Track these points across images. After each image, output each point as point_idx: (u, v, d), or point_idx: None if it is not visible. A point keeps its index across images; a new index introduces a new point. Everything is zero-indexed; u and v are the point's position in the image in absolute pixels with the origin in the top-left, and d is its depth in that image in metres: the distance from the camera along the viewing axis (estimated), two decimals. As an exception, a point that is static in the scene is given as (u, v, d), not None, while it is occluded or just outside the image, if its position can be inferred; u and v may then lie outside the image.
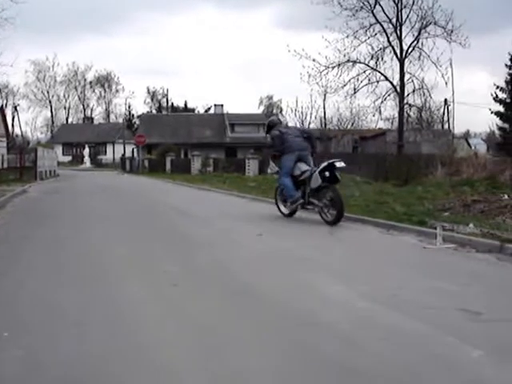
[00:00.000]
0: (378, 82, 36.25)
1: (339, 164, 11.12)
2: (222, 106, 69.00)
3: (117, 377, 3.50)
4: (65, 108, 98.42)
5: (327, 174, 11.02)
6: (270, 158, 12.95)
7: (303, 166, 11.75)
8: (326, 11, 34.40)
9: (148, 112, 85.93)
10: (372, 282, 6.15)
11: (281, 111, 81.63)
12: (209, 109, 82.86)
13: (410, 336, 4.27)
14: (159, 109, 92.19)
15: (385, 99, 36.65)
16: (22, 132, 79.12)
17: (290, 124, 65.74)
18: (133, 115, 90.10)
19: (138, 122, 76.90)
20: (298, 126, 57.17)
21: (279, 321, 4.62)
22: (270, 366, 3.68)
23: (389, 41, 35.66)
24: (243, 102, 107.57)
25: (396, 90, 36.01)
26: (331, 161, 11.19)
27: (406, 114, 37.52)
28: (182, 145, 53.91)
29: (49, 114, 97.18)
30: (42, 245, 8.61)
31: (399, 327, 4.47)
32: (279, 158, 12.24)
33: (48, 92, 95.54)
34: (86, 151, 67.68)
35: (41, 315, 4.76)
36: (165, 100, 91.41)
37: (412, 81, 36.02)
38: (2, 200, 15.99)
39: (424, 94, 36.42)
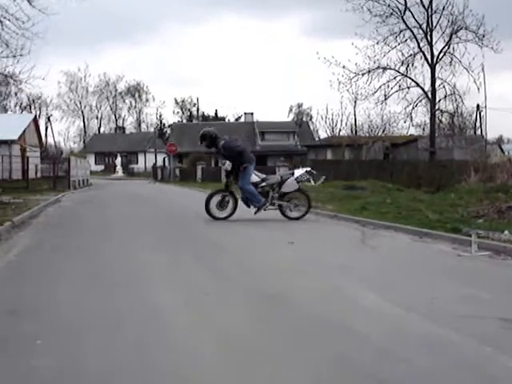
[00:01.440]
0: (408, 88, 36.03)
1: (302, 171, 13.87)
2: (252, 114, 69.17)
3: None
4: (97, 118, 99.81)
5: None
6: (241, 169, 13.27)
7: (259, 175, 13.57)
8: (354, 18, 34.36)
9: (179, 121, 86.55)
10: (406, 290, 6.08)
11: (311, 119, 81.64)
12: (239, 117, 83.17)
13: (444, 345, 4.19)
14: (190, 118, 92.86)
15: (416, 105, 36.41)
16: (55, 142, 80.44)
17: (320, 132, 65.92)
18: (164, 124, 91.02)
19: (168, 131, 77.54)
20: (329, 133, 57.19)
21: (311, 329, 4.58)
22: (302, 376, 3.64)
23: (419, 46, 35.43)
24: (273, 111, 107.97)
25: (427, 95, 35.72)
26: (307, 169, 14.30)
27: (437, 120, 37.17)
28: (213, 154, 54.03)
29: (81, 124, 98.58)
30: (74, 253, 8.68)
31: (434, 336, 4.40)
32: (244, 169, 13.21)
33: (80, 102, 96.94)
34: (118, 160, 68.35)
35: (73, 321, 4.79)
36: (195, 109, 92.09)
37: (443, 86, 35.73)
38: (36, 209, 16.20)
39: (456, 100, 36.09)
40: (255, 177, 13.43)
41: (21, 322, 4.85)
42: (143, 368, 3.76)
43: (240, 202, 13.44)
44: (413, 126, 42.21)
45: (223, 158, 13.57)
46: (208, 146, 13.64)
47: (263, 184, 13.39)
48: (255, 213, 13.25)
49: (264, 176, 13.62)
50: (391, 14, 34.72)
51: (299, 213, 13.44)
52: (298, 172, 13.83)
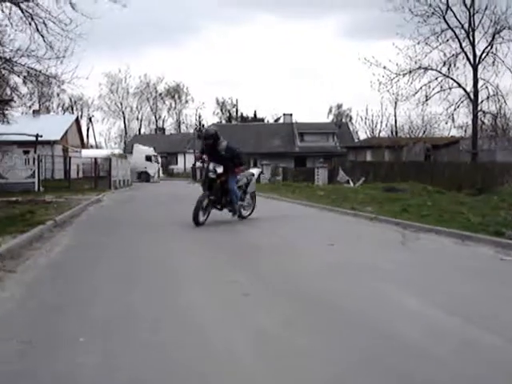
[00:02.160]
0: (450, 88, 35.64)
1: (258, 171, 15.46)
2: (291, 115, 69.12)
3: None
4: (137, 119, 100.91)
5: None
6: (238, 172, 13.51)
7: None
8: (395, 19, 34.13)
9: (218, 122, 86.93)
10: (447, 293, 6.00)
11: (350, 120, 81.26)
12: (278, 118, 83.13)
13: (486, 350, 4.13)
14: (229, 119, 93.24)
15: (458, 106, 36.00)
16: (96, 142, 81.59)
17: (360, 133, 65.53)
18: (203, 125, 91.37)
19: (207, 132, 77.86)
20: (369, 134, 56.83)
21: (352, 331, 4.56)
22: (343, 377, 3.63)
23: (461, 47, 35.01)
24: (312, 112, 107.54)
25: (469, 96, 35.26)
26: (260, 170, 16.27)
27: (479, 122, 36.62)
28: (252, 154, 54.25)
29: (122, 125, 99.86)
30: (115, 252, 8.79)
31: (475, 340, 4.33)
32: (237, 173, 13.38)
33: (121, 103, 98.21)
34: (158, 161, 68.91)
35: (112, 319, 4.85)
36: (234, 110, 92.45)
37: (486, 87, 35.23)
38: (78, 209, 16.44)
39: (499, 101, 35.56)
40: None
41: (64, 319, 4.92)
42: (183, 368, 3.78)
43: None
44: (454, 127, 41.85)
45: (218, 159, 12.78)
46: (208, 145, 13.04)
47: (239, 185, 13.55)
48: (234, 215, 13.36)
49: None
50: (432, 13, 34.42)
51: (248, 211, 14.02)
52: (256, 172, 15.11)
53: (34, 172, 28.31)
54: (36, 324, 4.80)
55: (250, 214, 13.99)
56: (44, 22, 18.18)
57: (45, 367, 3.78)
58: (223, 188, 12.87)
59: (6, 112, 21.10)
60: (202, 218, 12.28)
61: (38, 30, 18.23)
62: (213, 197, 12.65)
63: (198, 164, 13.92)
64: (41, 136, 37.94)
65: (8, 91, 20.23)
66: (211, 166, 12.67)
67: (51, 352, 4.07)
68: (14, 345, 4.20)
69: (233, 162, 13.09)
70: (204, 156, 13.20)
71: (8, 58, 18.10)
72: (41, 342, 4.29)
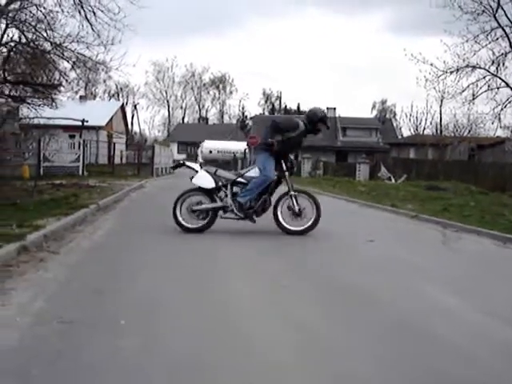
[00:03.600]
0: (498, 88, 34.85)
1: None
2: (334, 109, 68.62)
3: (226, 369, 3.58)
4: (181, 108, 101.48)
5: None
6: None
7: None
8: (442, 15, 33.57)
9: (261, 114, 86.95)
10: (487, 295, 5.95)
11: (394, 116, 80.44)
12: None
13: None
14: (272, 111, 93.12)
15: (505, 106, 35.16)
16: (140, 130, 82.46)
17: (404, 129, 64.73)
18: (246, 116, 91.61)
19: (250, 124, 78.03)
20: (413, 131, 56.08)
21: (390, 330, 4.56)
22: (379, 375, 3.64)
23: (511, 46, 34.26)
24: (356, 107, 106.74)
25: (517, 96, 34.53)
26: None
27: (527, 122, 35.91)
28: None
29: (166, 113, 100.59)
30: (156, 237, 8.90)
31: (515, 344, 4.30)
32: None
33: (166, 92, 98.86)
34: (200, 150, 69.35)
35: (152, 303, 4.94)
36: (278, 102, 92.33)
37: (535, 87, 34.42)
38: (121, 194, 16.69)
39: (547, 102, 34.70)
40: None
41: (105, 302, 5.04)
42: (220, 355, 3.85)
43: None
44: (501, 127, 41.02)
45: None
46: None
47: None
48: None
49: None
50: (483, 11, 33.58)
51: None
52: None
53: (78, 156, 28.80)
54: (78, 305, 4.91)
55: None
56: (93, 11, 18.36)
57: (85, 348, 3.88)
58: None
59: (54, 96, 21.40)
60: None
61: (86, 18, 18.44)
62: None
63: None
64: (87, 121, 38.62)
65: (57, 76, 20.52)
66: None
67: (92, 333, 4.17)
68: (55, 325, 4.31)
69: None
70: None
71: (58, 43, 18.37)
72: (82, 323, 4.39)
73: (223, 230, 9.74)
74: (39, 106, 21.10)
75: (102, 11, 18.46)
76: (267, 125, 10.79)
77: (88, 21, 18.54)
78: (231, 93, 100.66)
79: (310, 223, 9.79)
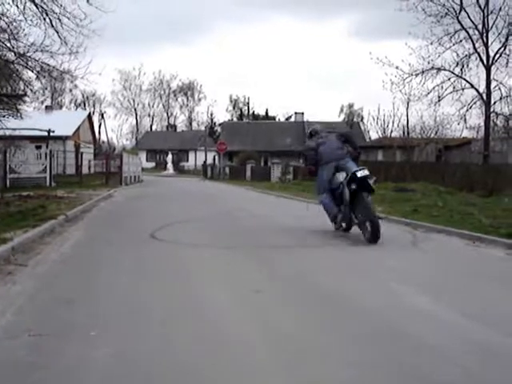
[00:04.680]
0: (463, 89, 35.43)
1: (361, 173, 9.86)
2: (302, 114, 69.01)
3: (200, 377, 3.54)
4: (149, 116, 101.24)
5: (353, 186, 9.85)
6: (307, 173, 11.40)
7: (340, 177, 10.32)
8: (407, 18, 33.99)
9: (229, 120, 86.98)
10: (459, 294, 5.99)
11: (362, 119, 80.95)
12: (289, 117, 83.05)
13: (499, 352, 4.12)
14: (240, 117, 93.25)
15: (470, 107, 35.78)
16: (108, 138, 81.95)
17: (371, 133, 65.30)
18: (214, 123, 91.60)
19: (219, 130, 78.02)
20: (380, 134, 56.60)
21: (363, 331, 4.56)
22: (352, 376, 3.63)
23: (474, 47, 34.79)
24: (324, 111, 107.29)
25: (482, 97, 35.06)
26: (353, 170, 9.99)
27: (492, 123, 36.41)
28: (263, 152, 54.30)
29: (134, 122, 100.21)
30: (125, 247, 8.83)
31: (488, 342, 4.32)
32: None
33: (134, 100, 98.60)
34: (169, 158, 69.14)
35: (124, 313, 4.88)
36: (246, 108, 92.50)
37: (499, 88, 34.96)
38: (89, 204, 16.54)
39: (512, 102, 35.28)
40: (336, 181, 10.57)
41: (75, 313, 4.96)
42: (195, 361, 3.81)
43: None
44: (466, 128, 41.41)
45: None
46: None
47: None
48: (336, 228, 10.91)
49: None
50: (446, 13, 34.17)
51: None
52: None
53: (45, 167, 28.48)
54: (47, 317, 4.84)
55: (371, 239, 9.57)
56: (59, 18, 18.21)
57: (57, 360, 3.81)
58: None
59: (19, 107, 21.17)
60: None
61: (52, 25, 18.26)
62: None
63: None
64: (53, 131, 38.10)
65: (21, 86, 20.29)
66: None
67: (63, 345, 4.11)
68: (25, 338, 4.23)
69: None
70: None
71: (22, 52, 18.17)
72: (52, 335, 4.33)
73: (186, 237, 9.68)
74: (4, 116, 20.85)
75: (68, 18, 18.34)
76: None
77: (54, 28, 18.41)
78: (200, 100, 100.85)
79: None
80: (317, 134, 11.67)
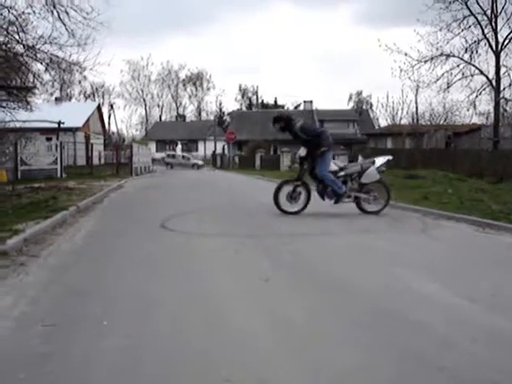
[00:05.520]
0: (472, 75, 35.24)
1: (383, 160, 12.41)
2: (311, 102, 68.86)
3: (211, 367, 3.59)
4: (158, 106, 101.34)
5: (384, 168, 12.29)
6: (319, 154, 11.82)
7: (337, 163, 12.51)
8: (416, 4, 33.77)
9: (238, 109, 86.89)
10: (468, 280, 6.01)
11: (371, 107, 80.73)
12: (298, 105, 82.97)
13: (506, 337, 4.15)
14: (249, 106, 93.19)
15: (479, 94, 35.61)
16: (117, 129, 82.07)
17: (380, 120, 65.09)
18: (223, 112, 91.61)
19: (228, 119, 78.02)
20: (389, 121, 56.48)
21: (370, 317, 4.59)
22: (360, 362, 3.67)
23: (484, 33, 34.56)
24: (332, 99, 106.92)
25: (491, 84, 34.86)
26: (389, 157, 12.66)
27: (501, 109, 36.24)
28: (272, 141, 54.20)
29: (143, 112, 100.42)
30: (136, 238, 8.87)
31: (497, 328, 4.35)
32: (322, 154, 11.87)
33: (142, 91, 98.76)
34: (179, 148, 69.23)
35: (135, 304, 4.93)
36: (255, 97, 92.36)
37: (508, 74, 34.77)
38: (100, 195, 16.60)
39: (521, 88, 35.06)
40: (333, 165, 12.15)
41: (88, 303, 5.02)
42: (208, 350, 3.86)
43: (313, 194, 12.12)
44: (476, 114, 41.44)
45: (300, 142, 12.18)
46: (282, 129, 12.23)
47: (342, 173, 12.07)
48: (335, 202, 12.06)
49: (342, 165, 12.51)
50: None
51: (377, 206, 12.07)
52: (380, 160, 12.37)
53: (56, 158, 28.60)
54: (60, 308, 4.90)
55: (379, 210, 12.02)
56: (66, 11, 18.26)
57: (69, 350, 3.87)
58: (314, 174, 12.05)
59: (29, 99, 21.23)
60: (289, 207, 11.79)
61: (59, 18, 18.31)
62: (299, 182, 11.91)
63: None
64: (63, 123, 38.32)
65: (31, 78, 20.34)
66: (300, 150, 12.15)
67: (76, 335, 4.16)
68: (39, 328, 4.29)
69: (313, 144, 11.88)
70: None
71: (31, 45, 18.21)
72: (65, 325, 4.39)
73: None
74: (14, 109, 20.92)
75: (75, 10, 18.38)
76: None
77: (61, 21, 18.44)
78: (208, 89, 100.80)
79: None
80: (291, 120, 12.25)
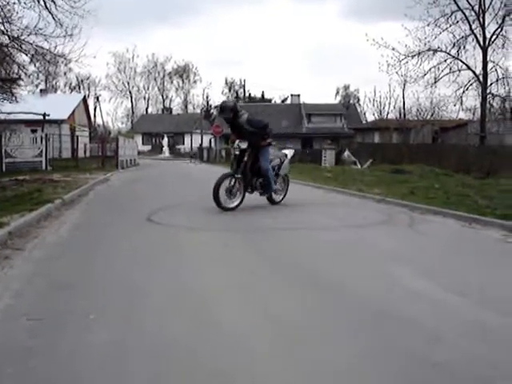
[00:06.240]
0: (459, 71, 35.45)
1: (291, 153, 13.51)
2: (298, 96, 68.79)
3: (205, 365, 3.56)
4: (144, 99, 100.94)
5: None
6: (265, 145, 11.84)
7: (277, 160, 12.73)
8: (402, 0, 33.87)
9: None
10: (456, 275, 6.00)
11: (358, 101, 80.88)
12: (285, 99, 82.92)
13: (497, 332, 4.15)
14: (236, 99, 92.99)
15: (466, 89, 35.82)
16: (103, 122, 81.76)
17: (368, 114, 65.25)
18: (210, 106, 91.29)
19: (215, 113, 77.83)
20: (377, 115, 56.64)
21: (360, 314, 4.57)
22: (351, 358, 3.65)
23: (471, 29, 34.74)
24: (320, 93, 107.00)
25: (478, 79, 35.06)
26: (293, 150, 14.11)
27: (488, 105, 36.44)
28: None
29: (129, 105, 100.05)
30: (121, 231, 8.82)
31: (486, 322, 4.34)
32: (265, 147, 11.90)
33: (128, 83, 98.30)
34: (165, 141, 69.05)
35: (123, 295, 4.88)
36: (242, 91, 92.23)
37: (495, 70, 35.05)
38: (86, 188, 16.50)
39: (508, 84, 35.32)
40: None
41: (73, 297, 4.96)
42: (196, 344, 3.82)
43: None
44: (463, 110, 41.71)
45: (242, 134, 11.64)
46: (228, 120, 11.72)
47: (272, 165, 12.20)
48: (263, 194, 12.13)
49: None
50: (443, -6, 34.05)
51: (280, 196, 12.70)
52: (290, 153, 13.32)
53: (41, 151, 28.41)
54: (45, 301, 4.84)
55: (282, 200, 12.66)
56: (53, 0, 18.13)
57: (55, 344, 3.82)
58: (253, 167, 11.67)
59: (14, 91, 21.07)
60: (229, 203, 11.12)
61: (46, 7, 18.19)
62: (239, 175, 11.36)
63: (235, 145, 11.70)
64: (48, 115, 38.00)
65: (15, 69, 20.18)
66: (236, 142, 11.64)
67: (61, 329, 4.11)
68: (23, 322, 4.24)
69: (258, 136, 11.66)
70: (233, 136, 12.15)
71: (16, 36, 18.06)
72: (51, 319, 4.33)
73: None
74: (-2, 100, 20.76)
75: (63, -1, 18.23)
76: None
77: (48, 10, 18.31)
78: (195, 82, 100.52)
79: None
80: (238, 111, 11.82)
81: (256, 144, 11.59)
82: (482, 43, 34.48)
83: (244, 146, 11.45)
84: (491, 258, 7.22)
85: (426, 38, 34.76)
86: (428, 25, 34.38)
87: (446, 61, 35.49)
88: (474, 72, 35.07)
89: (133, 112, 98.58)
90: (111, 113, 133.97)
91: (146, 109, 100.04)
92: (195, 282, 5.56)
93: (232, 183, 11.24)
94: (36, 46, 18.60)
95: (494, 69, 34.88)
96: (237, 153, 11.48)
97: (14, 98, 20.96)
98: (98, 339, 3.90)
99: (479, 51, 34.72)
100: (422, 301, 4.96)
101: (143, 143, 75.83)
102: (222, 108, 11.96)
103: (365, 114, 67.74)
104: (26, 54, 19.13)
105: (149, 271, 6.04)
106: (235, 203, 11.27)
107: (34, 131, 33.55)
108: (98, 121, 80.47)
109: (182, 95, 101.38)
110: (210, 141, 59.81)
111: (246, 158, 11.45)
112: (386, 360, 3.63)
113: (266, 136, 11.85)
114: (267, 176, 11.79)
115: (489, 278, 5.89)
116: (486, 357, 3.67)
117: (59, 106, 45.96)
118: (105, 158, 34.08)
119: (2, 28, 17.81)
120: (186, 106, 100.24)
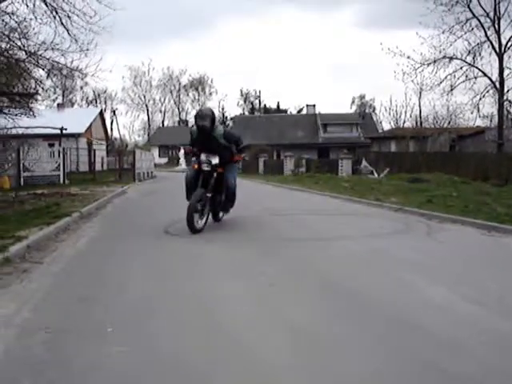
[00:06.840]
0: (475, 78, 35.18)
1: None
2: (314, 106, 68.82)
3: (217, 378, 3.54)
4: (160, 111, 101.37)
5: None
6: (237, 161, 11.04)
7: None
8: (417, 8, 33.83)
9: (241, 114, 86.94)
10: (475, 284, 5.95)
11: (374, 110, 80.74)
12: (301, 109, 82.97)
13: (516, 341, 4.10)
14: (252, 110, 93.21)
15: (483, 96, 35.52)
16: (120, 135, 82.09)
17: (384, 123, 65.03)
18: (226, 117, 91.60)
19: (231, 124, 78.01)
20: (393, 124, 56.41)
21: (378, 323, 4.54)
22: (368, 369, 3.61)
23: (486, 35, 34.50)
24: (335, 102, 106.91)
25: (495, 86, 34.79)
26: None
27: (505, 111, 36.15)
28: (275, 146, 54.19)
29: (145, 118, 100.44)
30: (140, 244, 8.82)
31: (505, 332, 4.29)
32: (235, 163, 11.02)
33: (144, 96, 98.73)
34: (182, 153, 69.13)
35: (139, 310, 4.88)
36: (257, 102, 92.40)
37: (512, 76, 34.71)
38: (103, 201, 16.57)
39: (525, 90, 35.01)
40: None
41: (92, 310, 4.97)
42: (212, 362, 3.80)
43: None
44: (480, 117, 41.40)
45: (212, 148, 10.39)
46: (204, 128, 10.37)
47: None
48: (218, 218, 11.20)
49: None
50: (457, 2, 33.90)
51: (222, 212, 11.36)
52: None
53: (59, 165, 28.61)
54: (64, 314, 4.85)
55: (223, 216, 11.41)
56: (68, 16, 18.27)
57: (73, 357, 3.82)
58: (220, 183, 10.48)
59: (31, 105, 21.23)
60: (199, 224, 9.96)
61: (62, 23, 18.32)
62: (210, 194, 10.27)
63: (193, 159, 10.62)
64: (65, 129, 38.32)
65: (33, 84, 20.33)
66: (203, 156, 10.30)
67: (80, 342, 4.12)
68: (41, 335, 4.25)
69: (230, 151, 10.72)
70: (195, 148, 10.74)
71: (33, 51, 18.20)
72: (69, 332, 4.34)
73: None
74: (16, 115, 20.90)
75: (78, 15, 18.37)
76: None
77: (64, 26, 18.44)
78: (211, 94, 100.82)
79: None
80: (214, 120, 10.67)
81: (228, 159, 10.62)
82: (497, 50, 34.24)
83: (215, 161, 10.32)
84: (510, 266, 7.14)
85: (441, 45, 34.62)
86: (443, 32, 34.24)
87: (461, 68, 35.30)
88: (490, 79, 34.85)
89: (149, 125, 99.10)
90: (128, 126, 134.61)
91: (163, 121, 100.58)
92: (211, 294, 5.55)
93: (203, 203, 10.14)
94: (53, 60, 18.72)
95: (510, 75, 34.65)
96: (207, 169, 10.21)
97: (31, 113, 21.11)
98: (116, 351, 3.90)
99: (495, 58, 34.49)
100: (439, 310, 4.91)
101: (160, 156, 76.16)
102: (201, 115, 10.60)
103: (381, 122, 67.61)
104: (43, 69, 19.25)
105: (166, 284, 6.05)
106: (203, 222, 10.13)
107: (51, 145, 33.80)
108: (115, 134, 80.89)
109: (198, 107, 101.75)
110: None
111: (215, 175, 10.35)
112: (403, 368, 3.59)
113: (240, 151, 11.10)
114: (234, 194, 10.83)
115: (508, 287, 5.82)
116: (505, 368, 3.62)
117: (76, 120, 46.32)
118: (122, 171, 34.21)
119: (19, 43, 17.96)
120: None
